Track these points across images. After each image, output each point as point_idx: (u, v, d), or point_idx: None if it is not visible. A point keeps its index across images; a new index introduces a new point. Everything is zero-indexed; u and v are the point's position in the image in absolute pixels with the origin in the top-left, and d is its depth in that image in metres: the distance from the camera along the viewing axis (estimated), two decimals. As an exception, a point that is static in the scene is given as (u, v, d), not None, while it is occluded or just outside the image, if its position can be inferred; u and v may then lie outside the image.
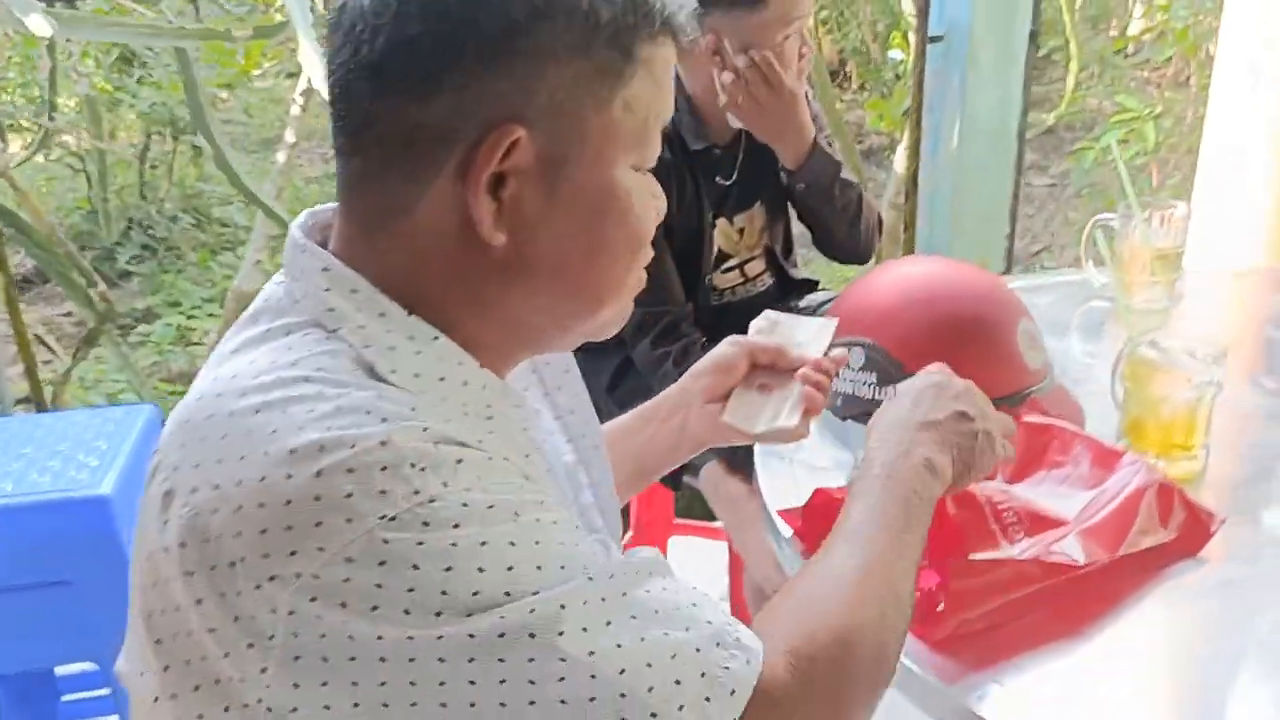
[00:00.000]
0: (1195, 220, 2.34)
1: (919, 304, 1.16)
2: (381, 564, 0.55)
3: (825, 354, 0.98)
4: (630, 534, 2.00)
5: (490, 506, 0.59)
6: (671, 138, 1.66)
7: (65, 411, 1.73)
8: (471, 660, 0.56)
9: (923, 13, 3.01)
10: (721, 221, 1.76)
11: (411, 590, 0.55)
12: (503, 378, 0.72)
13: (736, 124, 1.69)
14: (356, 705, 0.55)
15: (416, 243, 0.66)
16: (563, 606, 0.58)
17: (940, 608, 0.86)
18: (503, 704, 0.56)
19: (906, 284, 1.20)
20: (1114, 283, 1.50)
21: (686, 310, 1.68)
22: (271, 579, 0.55)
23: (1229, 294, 1.69)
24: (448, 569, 0.56)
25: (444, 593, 0.56)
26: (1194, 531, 0.96)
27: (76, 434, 1.57)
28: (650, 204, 0.71)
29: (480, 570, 0.57)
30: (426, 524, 0.56)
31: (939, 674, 0.84)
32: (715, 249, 1.77)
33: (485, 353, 0.69)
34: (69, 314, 3.95)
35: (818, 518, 0.97)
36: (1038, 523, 0.93)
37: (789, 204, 1.82)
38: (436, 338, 0.66)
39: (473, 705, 0.56)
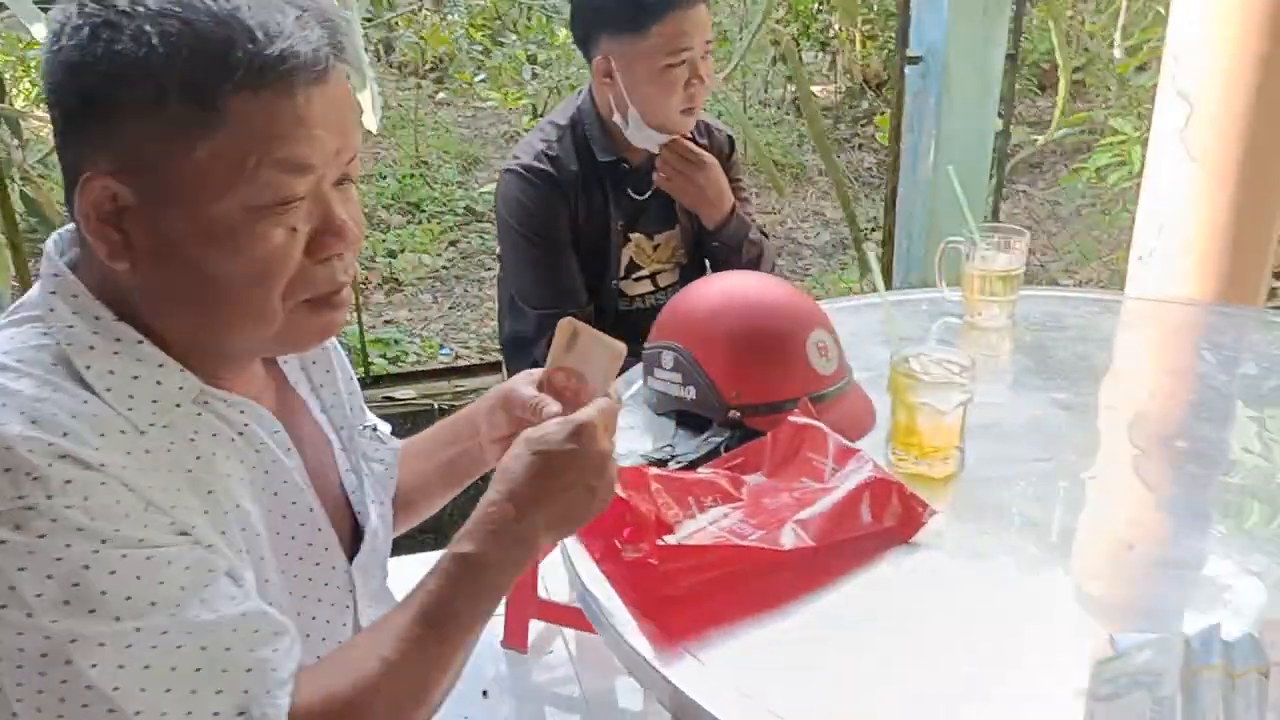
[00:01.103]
0: (1136, 249, 2.43)
1: (720, 314, 1.29)
2: None
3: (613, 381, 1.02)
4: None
5: (80, 529, 0.69)
6: (580, 149, 1.81)
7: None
8: (21, 651, 0.69)
9: (902, 33, 3.11)
10: (638, 236, 1.90)
11: None
12: (225, 376, 0.84)
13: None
14: None
15: (96, 263, 0.78)
16: (101, 644, 0.69)
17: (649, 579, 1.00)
18: (39, 709, 0.70)
19: (716, 296, 1.33)
20: (963, 302, 1.61)
21: (586, 311, 1.82)
22: None
23: (1137, 322, 1.77)
24: (21, 569, 0.68)
25: (11, 588, 0.68)
26: (908, 520, 1.08)
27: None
28: (285, 238, 0.77)
29: (48, 577, 0.69)
30: (18, 526, 0.68)
31: (646, 643, 0.96)
32: (627, 259, 1.90)
33: (189, 357, 0.81)
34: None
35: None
36: (725, 494, 1.08)
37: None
38: (141, 342, 0.78)
39: (19, 701, 0.70)
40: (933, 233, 3.23)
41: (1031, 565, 1.08)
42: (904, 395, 1.19)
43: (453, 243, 4.87)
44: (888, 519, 1.08)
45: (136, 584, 0.71)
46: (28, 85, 3.78)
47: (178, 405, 0.80)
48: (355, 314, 2.99)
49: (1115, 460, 1.29)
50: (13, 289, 2.58)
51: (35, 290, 0.83)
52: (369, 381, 2.95)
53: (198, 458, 0.79)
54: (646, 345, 1.36)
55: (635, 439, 1.30)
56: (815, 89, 6.33)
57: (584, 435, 0.87)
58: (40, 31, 2.24)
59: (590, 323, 1.81)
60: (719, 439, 1.24)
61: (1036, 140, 3.82)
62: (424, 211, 5.25)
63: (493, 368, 3.33)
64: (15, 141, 2.67)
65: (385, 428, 1.12)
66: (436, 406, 2.91)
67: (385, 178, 5.58)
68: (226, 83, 0.72)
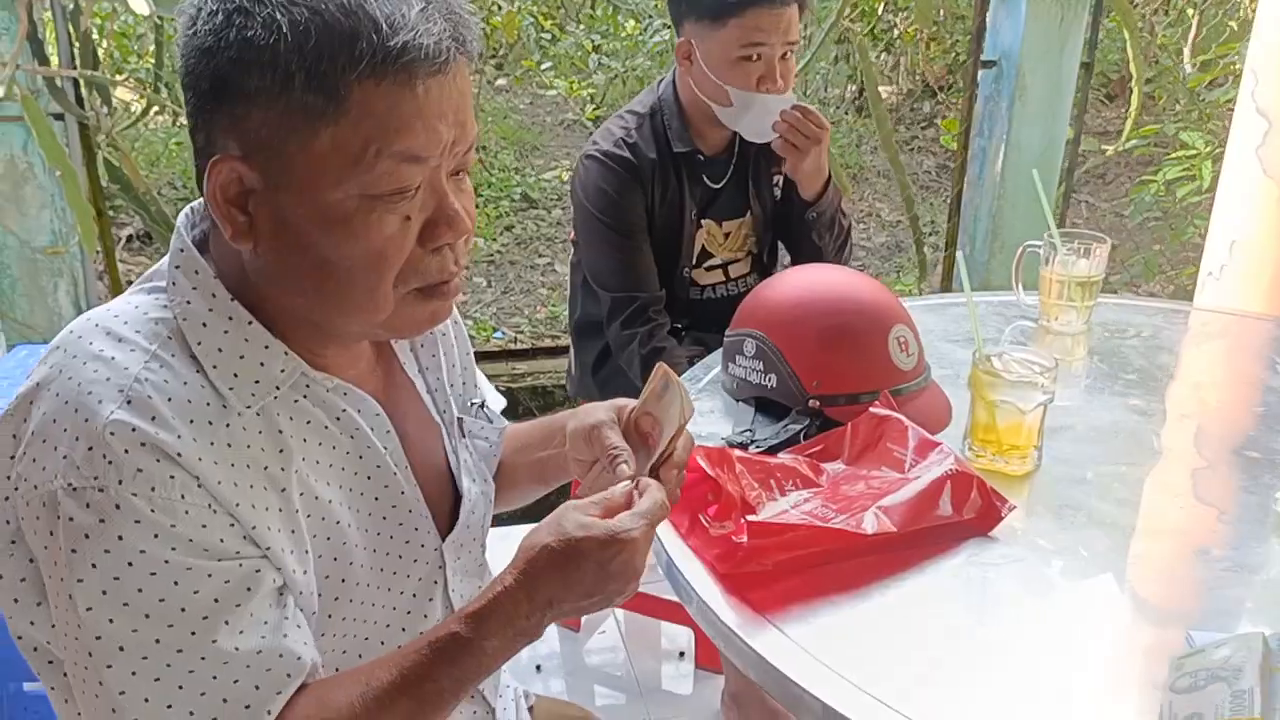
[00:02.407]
0: (1207, 264, 2.42)
1: (805, 306, 1.32)
2: (55, 516, 0.74)
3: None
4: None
5: (138, 521, 0.73)
6: (658, 137, 1.84)
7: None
8: (70, 600, 0.74)
9: (976, 36, 3.11)
10: (709, 223, 1.93)
11: (52, 532, 0.74)
12: (330, 358, 0.87)
13: (726, 132, 1.86)
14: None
15: (223, 241, 0.82)
16: (121, 648, 0.73)
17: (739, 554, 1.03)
18: (76, 678, 0.77)
19: (801, 287, 1.36)
20: (1040, 305, 1.62)
21: (657, 296, 1.85)
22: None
23: (1209, 334, 1.76)
24: (74, 550, 0.73)
25: (66, 564, 0.74)
26: (988, 514, 1.10)
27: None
28: (399, 226, 0.79)
29: (93, 566, 0.73)
30: (87, 505, 0.73)
31: (731, 614, 1.00)
32: (699, 247, 1.94)
33: (299, 339, 0.84)
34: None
35: None
36: (805, 479, 1.12)
37: (779, 220, 1.98)
38: (251, 323, 0.82)
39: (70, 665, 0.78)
40: (996, 238, 3.23)
41: (1105, 563, 1.09)
42: (984, 392, 1.21)
43: (508, 228, 4.92)
44: (967, 511, 1.10)
45: (172, 589, 0.75)
46: (117, 55, 3.88)
47: (277, 388, 0.83)
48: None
49: (1187, 466, 1.30)
50: (96, 254, 2.66)
51: (164, 260, 0.87)
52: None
53: (280, 450, 0.82)
54: (728, 332, 1.39)
55: (715, 422, 1.33)
56: (881, 89, 6.32)
57: (624, 549, 0.82)
58: (140, 5, 2.30)
59: (658, 305, 1.86)
60: (798, 426, 1.27)
61: (1105, 150, 3.79)
62: (480, 196, 5.31)
63: (548, 352, 3.37)
64: (105, 109, 2.74)
65: (498, 403, 1.15)
66: (494, 388, 2.96)
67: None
68: (351, 72, 0.73)
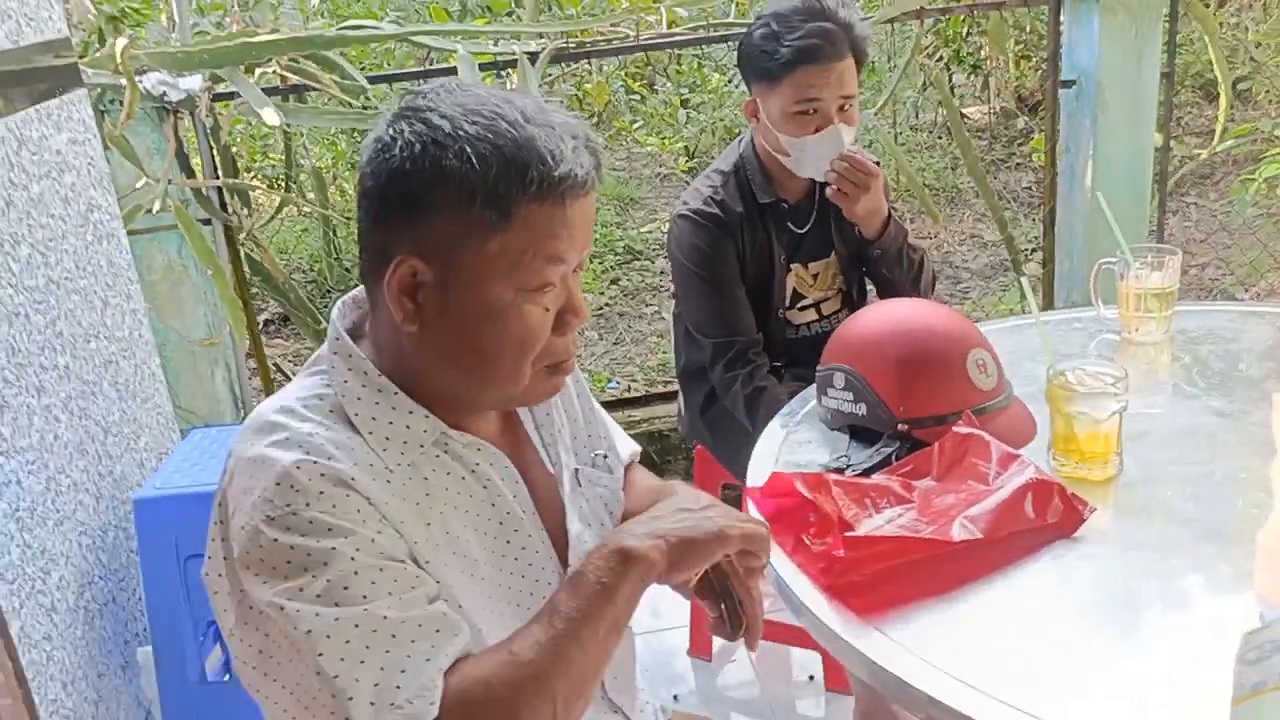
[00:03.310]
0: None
1: (886, 338, 1.44)
2: (259, 545, 0.90)
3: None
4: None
5: (329, 529, 0.90)
6: (743, 191, 1.98)
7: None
8: (281, 610, 0.89)
9: (1053, 58, 3.18)
10: (797, 267, 2.06)
11: (262, 560, 0.90)
12: (468, 421, 1.04)
13: (804, 180, 1.99)
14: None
15: (384, 326, 1.00)
16: (328, 636, 0.88)
17: (836, 565, 1.15)
18: (295, 689, 0.92)
19: (880, 321, 1.48)
20: (1119, 319, 1.70)
21: (755, 339, 1.98)
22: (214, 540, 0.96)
23: None
24: (288, 562, 0.90)
25: (285, 577, 0.89)
26: (1070, 517, 1.20)
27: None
28: (541, 316, 0.97)
29: (296, 574, 0.89)
30: (287, 529, 0.90)
31: (838, 621, 1.12)
32: (791, 289, 2.06)
33: (441, 406, 1.01)
34: (299, 352, 4.63)
35: (777, 496, 1.27)
36: (898, 497, 1.22)
37: (865, 258, 2.09)
38: (396, 393, 1.00)
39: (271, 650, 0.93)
40: (1092, 252, 3.26)
41: (1185, 558, 1.17)
42: (1060, 405, 1.30)
43: (614, 280, 5.10)
44: (1050, 515, 1.20)
45: (360, 582, 0.90)
46: (255, 161, 4.24)
47: (421, 446, 1.00)
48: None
49: (1265, 465, 1.36)
50: (245, 341, 2.93)
51: (325, 347, 1.06)
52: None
53: (427, 494, 0.99)
54: (819, 368, 1.51)
55: (813, 451, 1.46)
56: (969, 110, 6.35)
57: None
58: (271, 116, 2.56)
59: (758, 347, 1.98)
60: (889, 449, 1.38)
61: (1199, 154, 3.78)
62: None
63: (661, 398, 3.52)
64: (245, 211, 3.02)
65: (628, 451, 1.29)
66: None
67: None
68: (522, 195, 0.92)
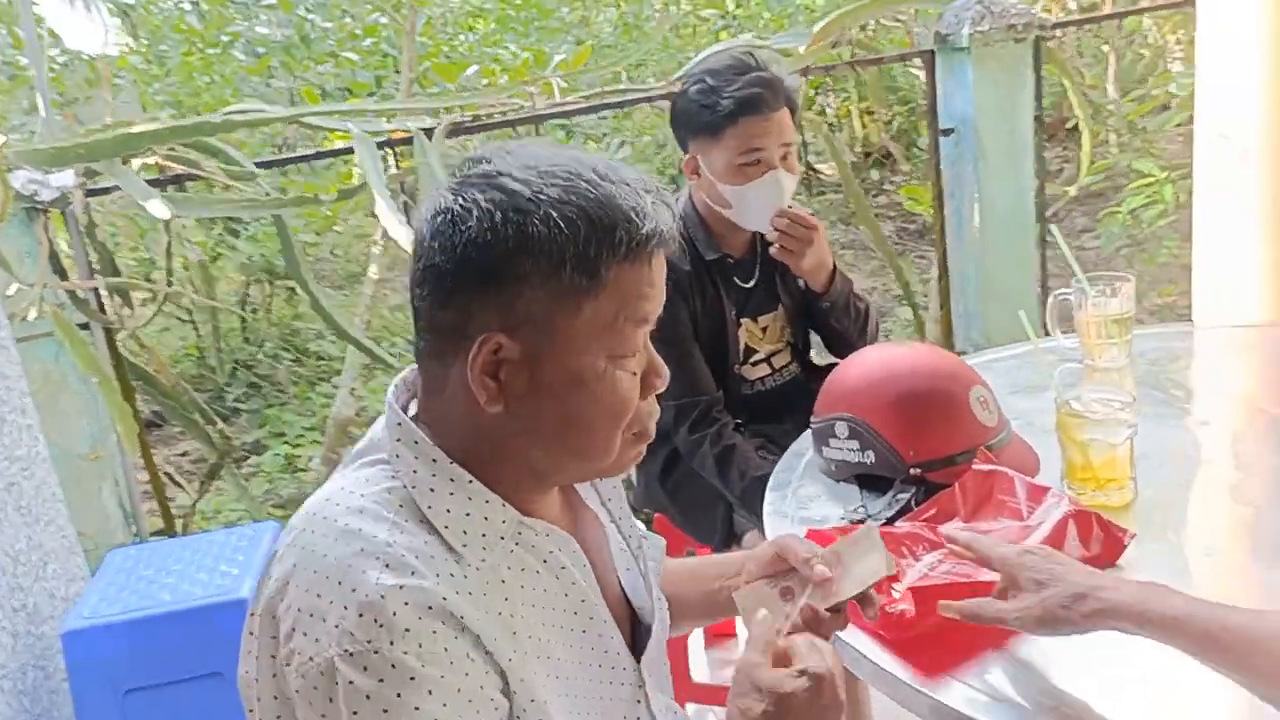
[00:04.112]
0: (1198, 282, 2.56)
1: (886, 382, 1.42)
2: (334, 683, 0.80)
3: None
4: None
5: (412, 677, 0.80)
6: (689, 249, 1.95)
7: (206, 534, 2.05)
8: None
9: (931, 109, 3.30)
10: (746, 321, 2.03)
11: (331, 699, 0.80)
12: (536, 504, 0.96)
13: (746, 233, 1.97)
14: None
15: (455, 407, 0.91)
16: None
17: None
18: None
19: (876, 366, 1.46)
20: (1080, 347, 1.73)
21: (717, 398, 1.94)
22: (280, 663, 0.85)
23: (1235, 348, 1.87)
24: (354, 713, 0.80)
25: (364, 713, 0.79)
26: (1112, 546, 1.19)
27: (217, 551, 1.88)
28: (630, 381, 0.91)
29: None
30: (365, 669, 0.80)
31: (912, 675, 1.07)
32: (743, 345, 2.04)
33: (514, 489, 0.92)
34: (185, 453, 4.36)
35: None
36: (931, 543, 1.19)
37: (808, 309, 2.08)
38: (471, 481, 0.90)
39: None
40: (987, 292, 3.37)
41: (1222, 574, 1.18)
42: (1074, 434, 1.30)
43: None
44: (1093, 546, 1.18)
45: None
46: (134, 259, 4.00)
47: (502, 538, 0.92)
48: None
49: (1265, 470, 1.39)
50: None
51: (381, 434, 0.96)
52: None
53: (506, 598, 0.90)
54: (815, 420, 1.48)
55: (824, 505, 1.41)
56: (821, 166, 6.58)
57: (825, 688, 0.89)
58: (158, 209, 2.41)
59: (720, 405, 1.94)
60: (906, 495, 1.35)
61: (1068, 191, 3.99)
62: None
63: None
64: (127, 310, 2.83)
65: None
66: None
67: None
68: (612, 256, 0.86)
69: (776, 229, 1.89)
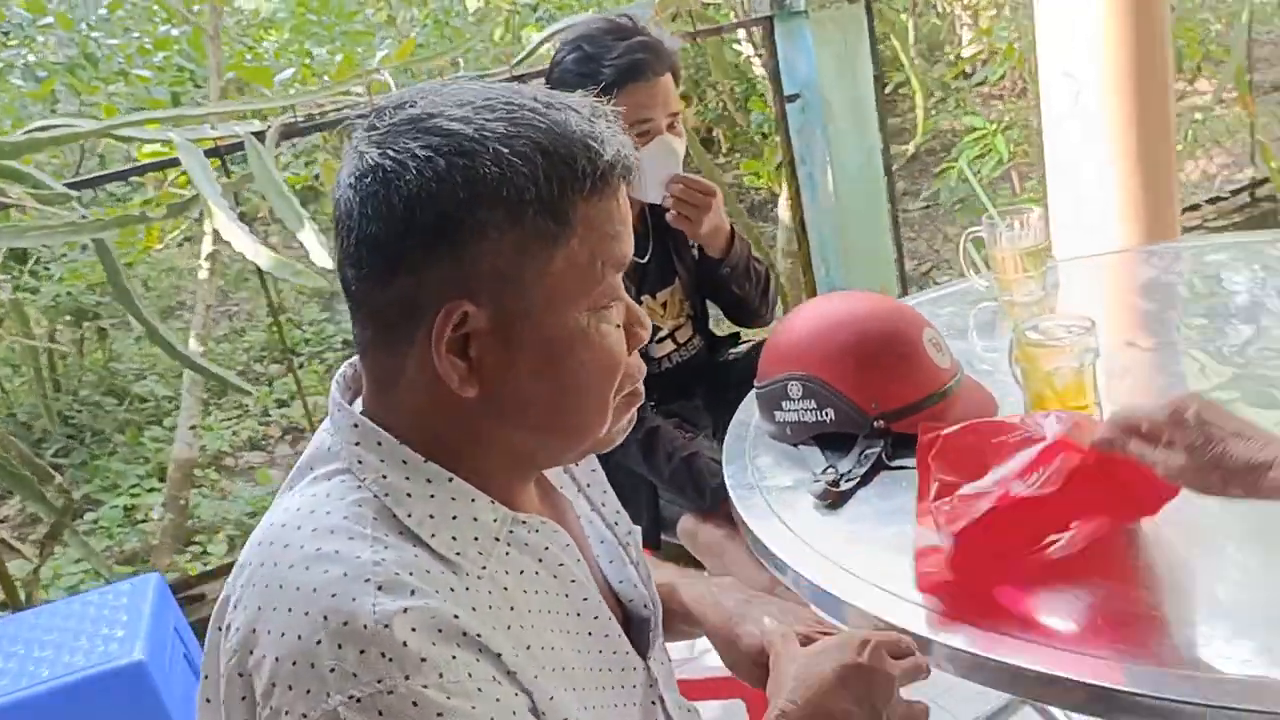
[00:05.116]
0: (1054, 218, 2.63)
1: (835, 334, 1.35)
2: None
3: None
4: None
5: (439, 714, 0.67)
6: None
7: (70, 598, 1.81)
8: None
9: (774, 77, 3.29)
10: (646, 298, 1.94)
11: None
12: (519, 497, 0.85)
13: (635, 207, 1.88)
14: None
15: (417, 397, 0.78)
16: None
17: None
18: None
19: (820, 320, 1.39)
20: (995, 284, 1.72)
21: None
22: None
23: (1097, 276, 1.92)
24: None
25: None
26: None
27: (93, 614, 1.65)
28: (616, 335, 0.80)
29: None
30: (381, 713, 0.66)
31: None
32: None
33: (496, 482, 0.81)
34: (3, 518, 3.95)
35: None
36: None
37: (704, 279, 2.01)
38: (451, 479, 0.78)
39: None
40: (846, 252, 3.40)
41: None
42: (1038, 364, 1.26)
43: (338, 374, 4.76)
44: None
45: None
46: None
47: (496, 539, 0.79)
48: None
49: (1218, 380, 1.39)
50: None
51: (329, 440, 0.81)
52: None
53: (512, 608, 0.78)
54: (759, 384, 1.40)
55: (789, 471, 1.33)
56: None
57: (875, 652, 0.88)
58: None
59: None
60: (875, 449, 1.29)
61: (907, 149, 4.08)
62: (301, 355, 5.14)
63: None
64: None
65: None
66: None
67: (245, 332, 5.44)
68: (577, 192, 0.75)
69: (673, 195, 1.81)
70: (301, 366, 5.00)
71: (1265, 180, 3.78)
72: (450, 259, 0.74)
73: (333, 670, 0.67)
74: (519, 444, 0.81)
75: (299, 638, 0.69)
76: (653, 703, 0.93)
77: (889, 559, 1.11)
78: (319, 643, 0.68)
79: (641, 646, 0.94)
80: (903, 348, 1.33)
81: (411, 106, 0.76)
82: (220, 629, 0.77)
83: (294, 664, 0.68)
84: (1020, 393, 1.32)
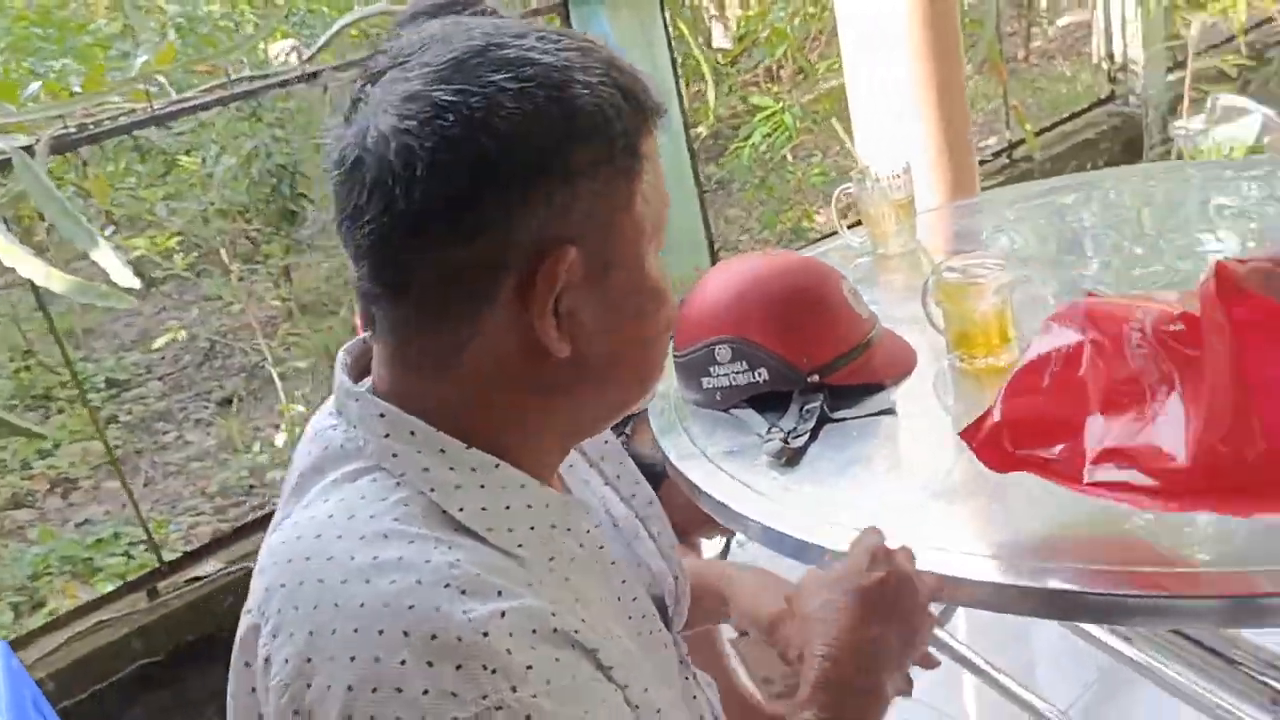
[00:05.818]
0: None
1: (758, 293, 1.32)
2: None
3: None
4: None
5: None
6: None
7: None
8: None
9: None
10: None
11: None
12: (552, 477, 0.78)
13: None
14: None
15: (474, 375, 0.69)
16: None
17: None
18: None
19: (741, 280, 1.35)
20: (869, 238, 1.74)
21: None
22: None
23: (937, 229, 1.98)
24: None
25: None
26: None
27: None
28: (667, 277, 0.77)
29: None
30: None
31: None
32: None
33: (538, 464, 0.74)
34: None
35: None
36: None
37: None
38: (498, 465, 0.70)
39: None
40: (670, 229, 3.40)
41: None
42: (959, 302, 1.29)
43: (111, 420, 4.34)
44: None
45: None
46: None
47: (552, 526, 0.72)
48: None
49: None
50: None
51: (338, 437, 0.71)
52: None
53: (577, 600, 0.70)
54: (681, 352, 1.35)
55: (730, 435, 1.29)
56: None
57: (878, 559, 0.87)
58: None
59: None
60: (815, 403, 1.27)
61: (700, 132, 4.14)
62: (58, 400, 4.66)
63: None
64: None
65: None
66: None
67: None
68: (644, 127, 0.72)
69: None
70: (62, 411, 4.53)
71: (1021, 142, 4.08)
72: (546, 205, 0.67)
73: (426, 692, 0.58)
74: (589, 407, 0.74)
75: (375, 660, 0.59)
76: (686, 678, 0.88)
77: (866, 505, 1.11)
78: (403, 663, 0.59)
79: (665, 620, 0.88)
80: (828, 301, 1.32)
81: (471, 39, 0.67)
82: (248, 665, 0.65)
83: (374, 691, 0.58)
84: (936, 336, 1.35)
